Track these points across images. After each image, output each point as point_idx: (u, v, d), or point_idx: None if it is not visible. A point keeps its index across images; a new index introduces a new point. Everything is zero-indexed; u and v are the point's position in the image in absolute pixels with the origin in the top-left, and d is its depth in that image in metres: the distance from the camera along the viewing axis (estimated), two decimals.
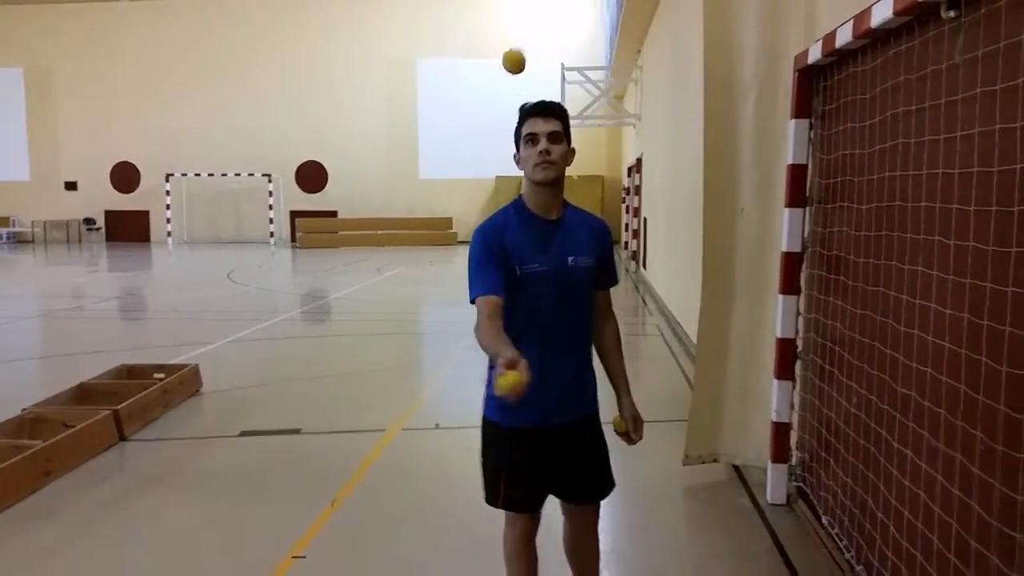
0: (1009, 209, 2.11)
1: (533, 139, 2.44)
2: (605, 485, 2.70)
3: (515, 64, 2.54)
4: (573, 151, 2.53)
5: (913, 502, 2.68)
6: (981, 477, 2.23)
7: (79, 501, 4.37)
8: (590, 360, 2.65)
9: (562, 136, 2.46)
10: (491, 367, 2.51)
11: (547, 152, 2.42)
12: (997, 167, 2.18)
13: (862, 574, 3.14)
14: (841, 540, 3.42)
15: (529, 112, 2.48)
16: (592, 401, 2.67)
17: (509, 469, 2.56)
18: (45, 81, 32.55)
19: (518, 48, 2.72)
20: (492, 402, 2.56)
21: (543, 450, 2.54)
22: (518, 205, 2.55)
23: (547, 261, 2.47)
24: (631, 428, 2.64)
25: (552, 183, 2.47)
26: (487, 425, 2.61)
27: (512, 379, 2.00)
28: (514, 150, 2.53)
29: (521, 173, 2.54)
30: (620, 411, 2.67)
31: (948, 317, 2.45)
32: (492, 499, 2.61)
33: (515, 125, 2.51)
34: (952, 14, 2.41)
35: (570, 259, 2.50)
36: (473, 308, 2.41)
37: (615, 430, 2.67)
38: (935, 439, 2.52)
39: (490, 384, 2.54)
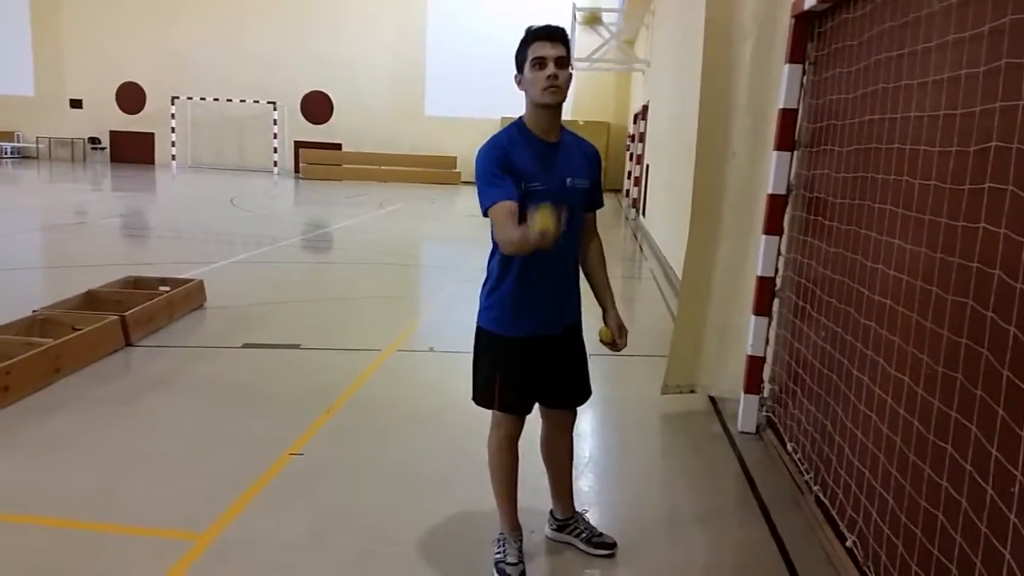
0: (966, 149, 2.27)
1: (541, 63, 2.53)
2: (585, 392, 2.95)
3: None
4: (571, 76, 2.65)
5: (866, 424, 2.91)
6: (923, 397, 2.44)
7: (88, 397, 4.61)
8: (577, 275, 2.85)
9: (567, 61, 2.58)
10: (492, 281, 2.72)
11: (555, 76, 2.52)
12: (960, 110, 2.34)
13: (818, 493, 3.39)
14: (802, 464, 3.66)
15: (536, 35, 2.56)
16: (577, 312, 2.89)
17: (505, 375, 2.76)
18: None
19: None
20: (489, 314, 2.76)
21: (535, 358, 2.76)
22: (520, 125, 2.66)
23: (548, 180, 2.59)
24: (617, 335, 2.84)
25: (557, 106, 2.61)
26: (483, 334, 2.80)
27: (548, 219, 2.18)
28: (515, 72, 2.63)
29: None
30: (606, 322, 2.88)
31: (908, 252, 2.63)
32: (484, 401, 2.82)
33: (518, 46, 2.60)
34: None
35: (568, 180, 2.65)
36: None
37: (601, 340, 2.88)
38: (889, 365, 2.73)
39: (487, 297, 2.76)
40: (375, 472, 3.74)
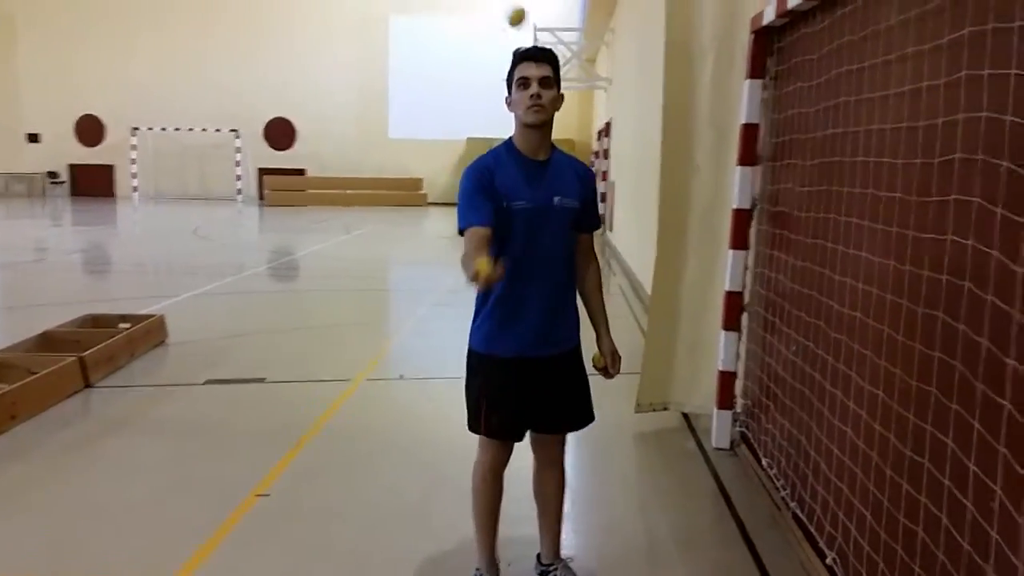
0: (930, 161, 2.26)
1: (525, 83, 2.53)
2: (581, 417, 2.82)
3: (518, 19, 2.63)
4: (562, 97, 2.64)
5: (841, 439, 2.87)
6: (898, 411, 2.41)
7: (46, 443, 4.44)
8: (571, 297, 2.76)
9: (553, 82, 2.57)
10: (480, 307, 2.67)
11: (538, 96, 2.52)
12: (923, 122, 2.33)
13: (795, 509, 3.34)
14: (778, 480, 3.62)
15: (522, 56, 2.58)
16: (572, 337, 2.78)
17: (490, 397, 2.68)
18: (7, 30, 31.61)
19: (520, 7, 2.82)
20: (478, 333, 2.69)
21: (522, 380, 2.66)
22: (508, 146, 2.66)
23: (534, 198, 2.57)
24: (609, 363, 2.77)
25: (541, 126, 2.58)
26: (471, 355, 2.73)
27: (486, 265, 2.14)
28: (506, 94, 2.63)
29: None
30: (599, 348, 2.81)
31: (877, 264, 2.61)
32: (474, 425, 2.73)
33: (508, 68, 2.60)
34: None
35: (556, 198, 2.61)
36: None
37: (594, 366, 2.81)
38: (861, 379, 2.70)
39: (475, 318, 2.70)
40: (346, 510, 3.63)
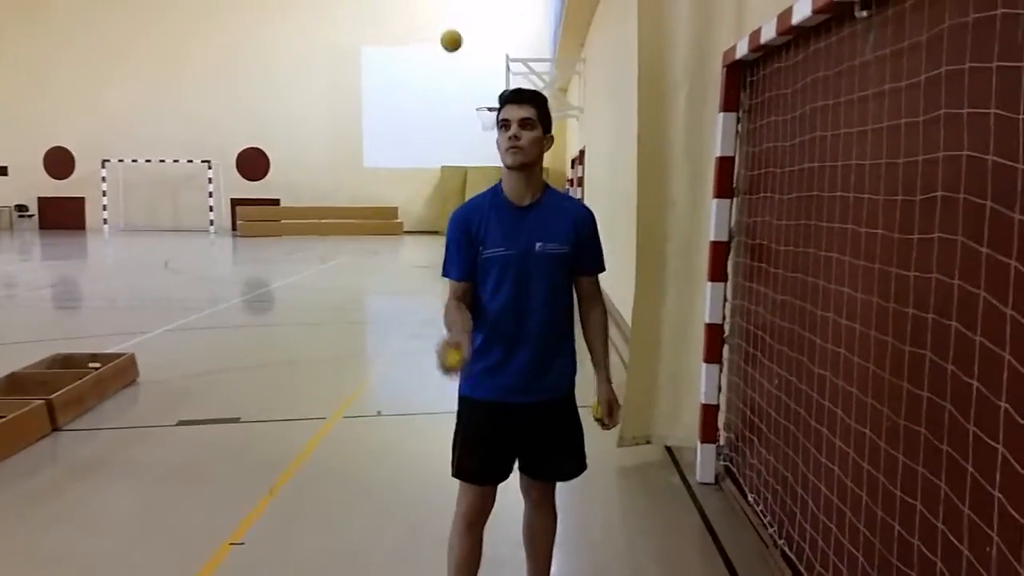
0: (912, 198, 2.25)
1: (506, 124, 2.51)
2: (568, 467, 2.72)
3: (452, 42, 2.63)
4: (551, 138, 2.59)
5: (828, 477, 2.83)
6: (887, 451, 2.37)
7: (9, 492, 4.29)
8: (563, 344, 2.65)
9: (535, 123, 2.52)
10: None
11: (516, 137, 2.48)
12: (903, 159, 2.32)
13: (784, 547, 3.29)
14: (765, 516, 3.57)
15: (505, 99, 2.56)
16: (564, 387, 2.68)
17: (465, 439, 2.63)
18: None
19: (454, 29, 2.82)
20: (462, 375, 2.61)
21: (501, 425, 2.60)
22: (496, 189, 2.62)
23: (513, 245, 2.52)
24: (605, 413, 2.69)
25: (521, 168, 2.52)
26: (459, 400, 2.68)
27: (453, 358, 2.22)
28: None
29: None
30: (597, 396, 2.72)
31: (859, 301, 2.59)
32: (452, 469, 2.67)
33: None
34: (864, 13, 2.55)
35: (538, 245, 2.54)
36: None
37: (592, 416, 2.72)
38: (848, 416, 2.67)
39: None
40: (322, 559, 3.52)
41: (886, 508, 2.36)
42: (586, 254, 2.67)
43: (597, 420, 2.74)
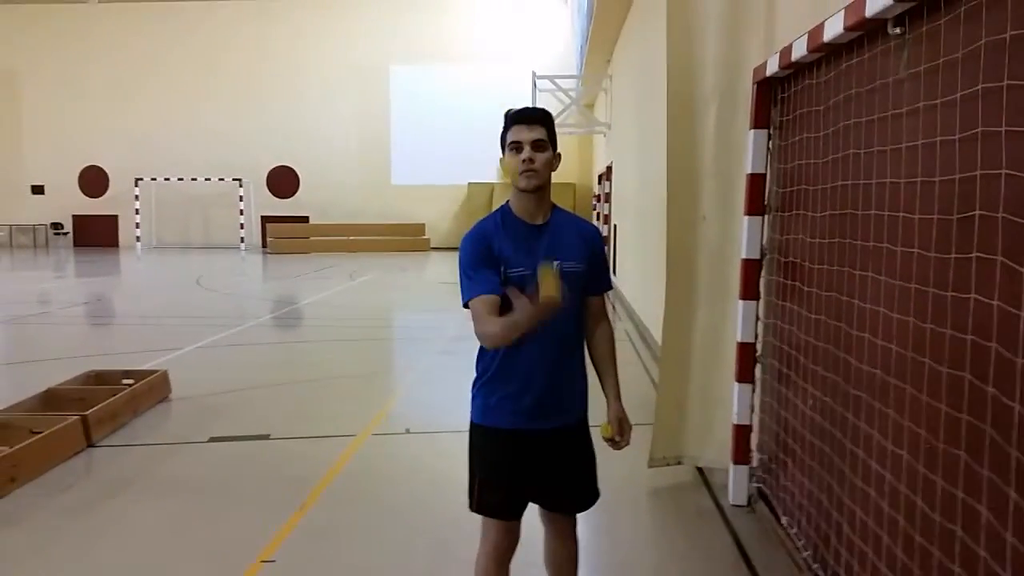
0: (949, 217, 2.21)
1: (517, 147, 2.44)
2: (586, 497, 2.66)
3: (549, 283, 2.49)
4: (559, 157, 2.53)
5: (864, 501, 2.78)
6: (925, 475, 2.32)
7: (45, 508, 4.35)
8: (578, 367, 2.60)
9: (546, 144, 2.47)
10: (480, 375, 2.55)
11: (531, 160, 2.43)
12: (939, 177, 2.29)
13: (818, 572, 3.24)
14: (799, 540, 3.51)
15: (513, 119, 2.48)
16: (579, 409, 2.64)
17: (485, 472, 2.55)
18: (10, 84, 32.11)
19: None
20: (474, 404, 2.58)
21: (522, 455, 2.52)
22: (504, 211, 2.56)
23: (532, 264, 2.43)
24: (616, 431, 2.60)
25: (535, 190, 2.48)
26: (472, 428, 2.61)
27: (549, 275, 2.13)
28: (500, 155, 2.54)
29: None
30: (608, 415, 2.63)
31: (895, 321, 2.55)
32: (471, 504, 2.60)
33: (500, 131, 2.52)
34: (897, 31, 2.53)
35: (555, 264, 2.47)
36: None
37: (602, 436, 2.62)
38: (884, 439, 2.62)
39: (472, 388, 2.58)
40: None
41: (925, 533, 2.31)
42: (597, 273, 2.64)
43: (607, 440, 2.63)
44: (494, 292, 2.40)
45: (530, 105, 2.59)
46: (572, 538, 2.73)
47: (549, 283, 2.12)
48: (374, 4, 30.98)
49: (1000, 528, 1.91)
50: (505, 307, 2.37)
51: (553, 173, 2.55)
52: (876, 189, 2.73)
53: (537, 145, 2.45)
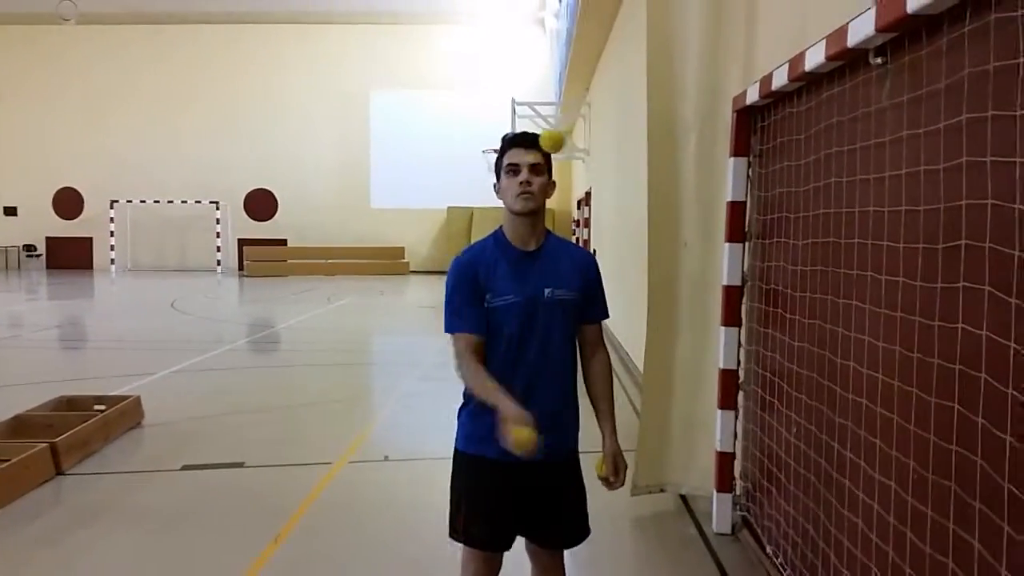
0: (935, 246, 2.21)
1: (515, 169, 2.42)
2: (576, 533, 2.60)
3: (555, 144, 2.49)
4: (553, 184, 2.51)
5: (852, 531, 2.75)
6: (914, 505, 2.30)
7: (13, 537, 4.21)
8: (570, 397, 2.55)
9: (543, 168, 2.45)
10: (467, 402, 2.50)
11: (528, 183, 2.41)
12: (923, 206, 2.29)
13: None
14: (785, 569, 3.48)
15: (511, 143, 2.46)
16: (570, 441, 2.58)
17: (471, 502, 2.49)
18: None
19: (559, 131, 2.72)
20: (460, 432, 2.53)
21: (508, 486, 2.45)
22: (497, 235, 2.52)
23: (521, 292, 2.41)
24: (610, 471, 2.52)
25: (531, 214, 2.45)
26: (455, 456, 2.56)
27: (527, 435, 2.09)
28: (494, 180, 2.52)
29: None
30: (603, 451, 2.56)
31: (881, 349, 2.54)
32: (453, 532, 2.53)
33: (497, 155, 2.50)
34: (879, 60, 2.54)
35: (547, 291, 2.45)
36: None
37: (596, 474, 2.55)
38: (871, 468, 2.60)
39: (459, 414, 2.53)
40: None
41: (915, 565, 2.29)
42: (593, 301, 2.60)
43: (602, 479, 2.55)
44: (478, 331, 2.39)
45: (511, 131, 2.57)
46: (560, 571, 2.66)
47: (523, 440, 2.09)
48: (355, 30, 31.10)
49: (994, 562, 1.89)
50: (489, 332, 2.37)
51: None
52: (859, 218, 2.74)
53: (535, 168, 2.43)
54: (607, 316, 2.67)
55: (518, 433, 2.09)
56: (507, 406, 2.18)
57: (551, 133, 2.44)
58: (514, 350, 2.43)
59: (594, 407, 2.63)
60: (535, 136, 2.49)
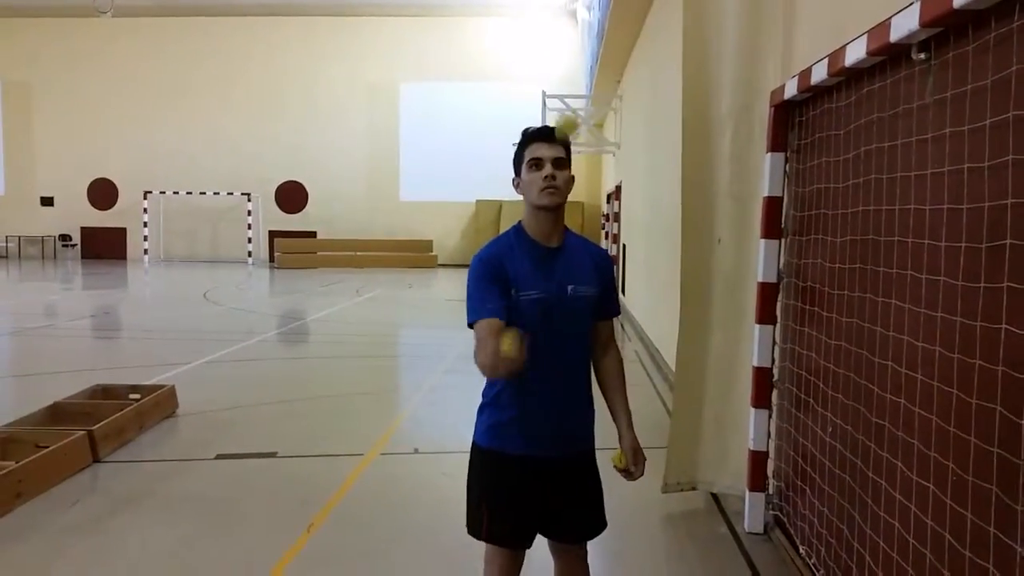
0: (978, 246, 2.17)
1: (538, 164, 2.39)
2: (594, 526, 2.59)
3: (569, 126, 2.48)
4: (573, 178, 2.49)
5: (888, 532, 2.72)
6: (953, 507, 2.27)
7: (51, 524, 4.31)
8: (587, 393, 2.55)
9: (566, 162, 2.43)
10: (487, 399, 2.50)
11: (552, 177, 2.38)
12: (966, 204, 2.25)
13: None
14: (818, 570, 3.45)
15: (533, 137, 2.43)
16: (588, 438, 2.58)
17: (492, 499, 2.48)
18: (23, 96, 32.32)
19: (572, 117, 2.72)
20: (480, 427, 2.52)
21: (529, 482, 2.45)
22: (518, 231, 2.49)
23: (546, 288, 2.40)
24: (630, 462, 2.53)
25: (555, 208, 2.43)
26: (473, 451, 2.55)
27: (509, 340, 2.06)
28: (513, 175, 2.49)
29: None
30: (620, 445, 2.57)
31: (921, 350, 2.50)
32: (474, 529, 2.53)
33: (516, 149, 2.46)
34: (922, 56, 2.50)
35: (570, 287, 2.44)
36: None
37: (614, 466, 2.56)
38: (909, 469, 2.57)
39: (479, 412, 2.53)
40: None
41: (953, 569, 2.26)
42: (608, 298, 2.59)
43: (620, 470, 2.56)
44: (497, 316, 2.30)
45: (540, 124, 2.55)
46: (582, 566, 2.66)
47: (508, 344, 2.06)
48: (386, 23, 31.20)
49: None
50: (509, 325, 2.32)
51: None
52: (900, 215, 2.70)
53: (558, 163, 2.41)
54: (619, 313, 2.68)
55: (504, 341, 2.06)
56: (495, 327, 2.21)
57: (563, 118, 2.45)
58: (538, 345, 2.37)
59: (608, 401, 2.64)
60: (555, 130, 2.46)
